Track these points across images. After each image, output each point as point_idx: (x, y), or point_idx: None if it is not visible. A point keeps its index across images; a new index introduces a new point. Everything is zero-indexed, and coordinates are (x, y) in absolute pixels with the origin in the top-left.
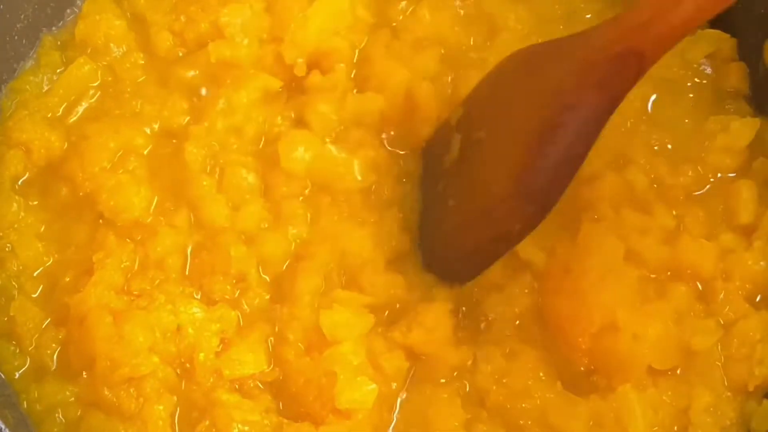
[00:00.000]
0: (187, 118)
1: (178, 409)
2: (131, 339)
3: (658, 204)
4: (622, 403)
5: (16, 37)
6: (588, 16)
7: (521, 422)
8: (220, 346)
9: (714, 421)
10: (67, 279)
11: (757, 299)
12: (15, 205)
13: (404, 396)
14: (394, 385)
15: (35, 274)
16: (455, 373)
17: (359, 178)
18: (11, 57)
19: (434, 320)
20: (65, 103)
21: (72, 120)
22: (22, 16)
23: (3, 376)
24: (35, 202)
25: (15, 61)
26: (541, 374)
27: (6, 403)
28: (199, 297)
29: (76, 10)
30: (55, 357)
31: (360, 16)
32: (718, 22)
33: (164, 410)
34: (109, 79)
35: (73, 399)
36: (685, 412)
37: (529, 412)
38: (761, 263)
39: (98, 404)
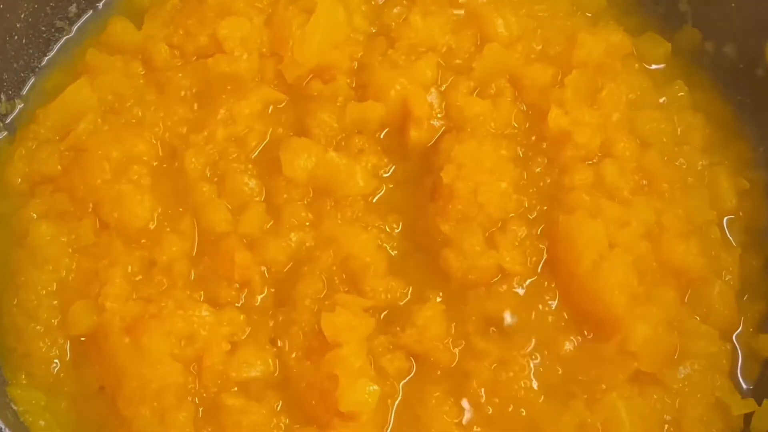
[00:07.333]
0: (187, 127)
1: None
2: (150, 350)
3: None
4: (609, 411)
5: (15, 37)
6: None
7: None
8: (230, 346)
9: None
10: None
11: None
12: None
13: (400, 396)
14: (397, 386)
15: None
16: (449, 373)
17: (361, 183)
18: (11, 56)
19: (426, 320)
20: (67, 115)
21: (74, 131)
22: (23, 16)
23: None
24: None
25: (15, 60)
26: (529, 380)
27: (6, 404)
28: (204, 302)
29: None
30: (68, 377)
31: (357, 26)
32: (717, 23)
33: (186, 417)
34: (109, 89)
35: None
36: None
37: (519, 418)
38: None
39: (120, 417)
